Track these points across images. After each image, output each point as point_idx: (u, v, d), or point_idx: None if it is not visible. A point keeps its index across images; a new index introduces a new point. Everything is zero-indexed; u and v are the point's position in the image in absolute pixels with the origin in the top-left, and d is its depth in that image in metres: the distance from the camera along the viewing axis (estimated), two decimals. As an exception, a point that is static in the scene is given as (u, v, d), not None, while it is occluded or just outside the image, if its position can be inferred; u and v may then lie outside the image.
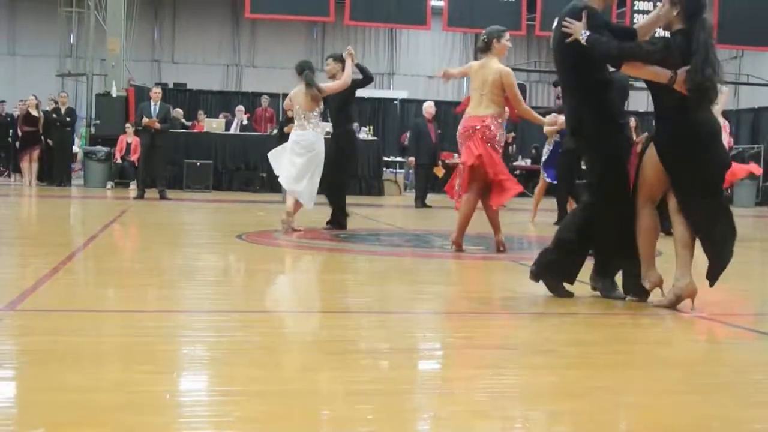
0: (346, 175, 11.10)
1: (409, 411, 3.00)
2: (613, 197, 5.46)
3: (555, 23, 5.61)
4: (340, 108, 10.50)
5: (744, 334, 4.83)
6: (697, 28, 5.15)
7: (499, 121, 8.01)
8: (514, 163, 23.51)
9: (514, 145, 20.64)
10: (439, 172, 22.83)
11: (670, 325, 5.03)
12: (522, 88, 22.46)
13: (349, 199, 11.01)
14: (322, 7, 21.18)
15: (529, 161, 26.03)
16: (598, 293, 5.62)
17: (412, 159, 19.06)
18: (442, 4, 22.37)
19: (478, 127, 7.93)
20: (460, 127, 8.15)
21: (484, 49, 8.24)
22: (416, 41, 36.45)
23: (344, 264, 7.78)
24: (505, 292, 6.16)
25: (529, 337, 4.49)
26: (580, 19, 5.36)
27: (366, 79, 10.69)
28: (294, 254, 8.36)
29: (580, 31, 5.32)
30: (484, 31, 8.39)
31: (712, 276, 5.23)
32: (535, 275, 5.64)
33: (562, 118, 9.29)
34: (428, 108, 17.31)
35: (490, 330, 4.66)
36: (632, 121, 13.37)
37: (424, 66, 37.22)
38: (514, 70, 32.47)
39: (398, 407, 3.00)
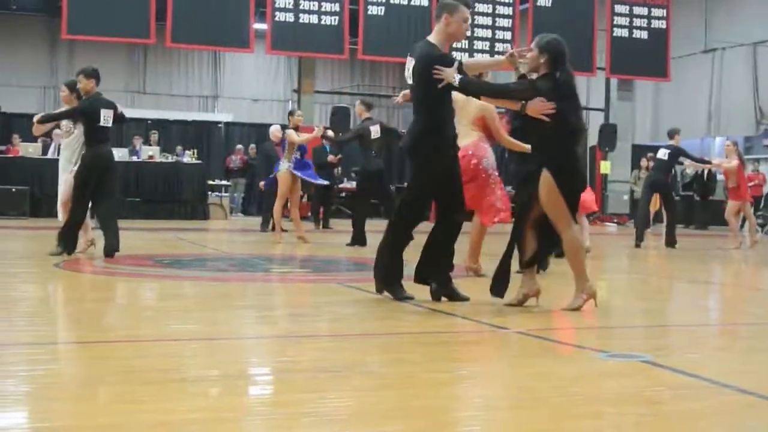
0: None
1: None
2: (410, 220, 6.40)
3: (410, 58, 6.36)
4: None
5: (561, 348, 5.00)
6: (563, 75, 6.03)
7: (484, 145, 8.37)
8: (340, 186, 23.62)
9: (340, 167, 20.73)
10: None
11: (491, 342, 5.17)
12: (346, 111, 22.77)
13: (173, 224, 10.83)
14: (143, 29, 20.75)
15: (354, 183, 26.22)
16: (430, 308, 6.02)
17: (262, 183, 18.90)
18: (265, 27, 22.34)
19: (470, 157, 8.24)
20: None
21: None
22: (240, 64, 36.25)
23: (169, 290, 7.62)
24: (331, 315, 6.16)
25: (355, 358, 4.51)
26: (438, 61, 6.12)
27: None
28: (116, 282, 8.12)
29: (452, 76, 6.04)
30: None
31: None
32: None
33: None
34: (275, 132, 17.20)
35: (316, 353, 4.65)
36: None
37: (249, 89, 37.08)
38: (337, 93, 32.82)
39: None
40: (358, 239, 12.53)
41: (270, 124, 18.99)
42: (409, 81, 6.43)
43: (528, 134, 6.31)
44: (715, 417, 3.44)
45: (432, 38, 6.35)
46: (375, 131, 12.96)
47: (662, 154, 14.89)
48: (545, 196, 5.99)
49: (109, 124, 9.63)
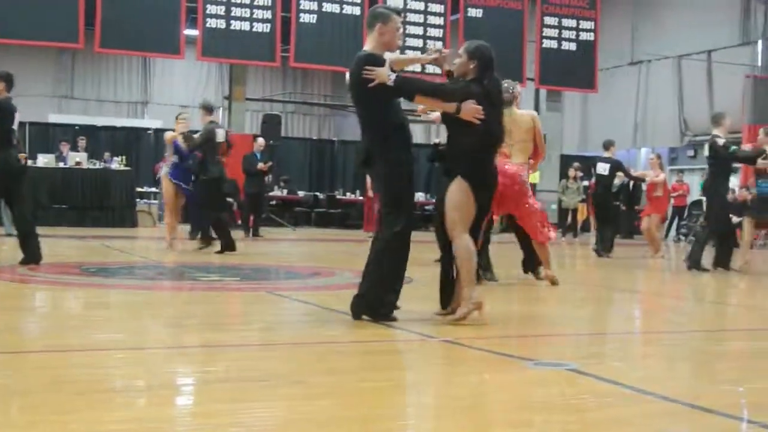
0: None
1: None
2: (396, 233, 5.94)
3: (350, 72, 6.10)
4: None
5: (490, 357, 5.03)
6: (491, 83, 6.05)
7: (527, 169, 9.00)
8: (270, 194, 23.55)
9: (270, 176, 20.65)
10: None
11: (420, 351, 5.20)
12: (277, 119, 22.71)
13: (101, 231, 10.69)
14: (71, 34, 20.44)
15: (285, 191, 26.20)
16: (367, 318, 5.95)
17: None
18: (196, 33, 22.17)
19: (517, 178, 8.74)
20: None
21: (508, 103, 8.45)
22: (170, 70, 35.96)
23: (95, 299, 7.50)
24: (260, 323, 6.14)
25: (284, 367, 4.49)
26: (366, 62, 5.90)
27: None
28: (39, 290, 7.98)
29: (386, 75, 5.83)
30: (507, 85, 8.54)
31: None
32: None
33: None
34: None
35: (244, 362, 4.62)
36: None
37: (179, 95, 36.76)
38: (269, 101, 32.60)
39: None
40: (227, 246, 12.40)
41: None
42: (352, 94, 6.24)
43: (451, 138, 6.23)
44: (638, 424, 3.51)
45: (369, 48, 6.11)
46: (220, 135, 12.89)
47: (602, 169, 15.19)
48: (454, 199, 5.97)
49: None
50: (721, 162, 11.87)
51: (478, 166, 6.05)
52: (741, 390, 4.28)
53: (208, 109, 13.23)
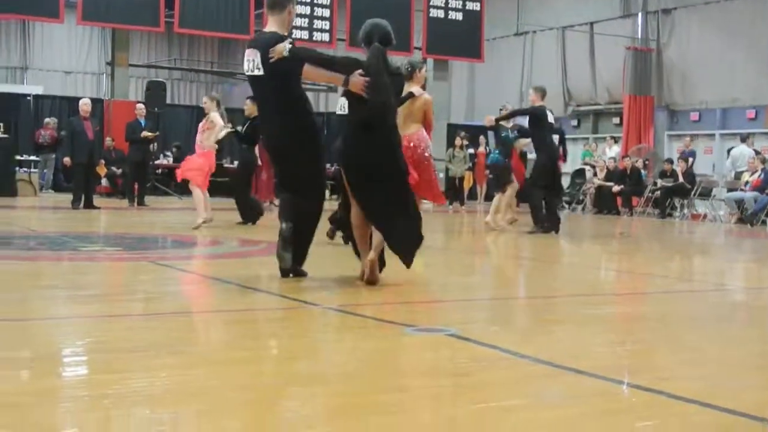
0: None
1: (30, 425, 2.87)
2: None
3: (253, 50, 6.44)
4: None
5: (369, 324, 5.08)
6: (370, 54, 6.18)
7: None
8: (156, 162, 23.17)
9: (156, 143, 20.29)
10: (102, 171, 22.03)
11: (299, 318, 5.22)
12: (162, 85, 22.30)
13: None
14: (-57, -4, 19.69)
15: (171, 159, 25.80)
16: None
17: (67, 159, 18.19)
18: (77, -4, 21.55)
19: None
20: None
21: (407, 77, 8.55)
22: (50, 35, 34.93)
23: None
24: (141, 293, 6.06)
25: (165, 338, 4.44)
26: (278, 42, 6.20)
27: None
28: None
29: (283, 48, 6.10)
30: (407, 61, 9.00)
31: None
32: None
33: None
34: (84, 105, 16.62)
35: (125, 333, 4.55)
36: None
37: (60, 61, 35.81)
38: (154, 67, 32.03)
39: (20, 421, 2.87)
40: None
41: (81, 98, 18.41)
42: (256, 72, 6.44)
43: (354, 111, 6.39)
44: (512, 386, 3.59)
45: (277, 29, 6.47)
46: None
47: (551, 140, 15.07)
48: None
49: None
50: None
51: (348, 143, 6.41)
52: (618, 351, 4.43)
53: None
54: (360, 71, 6.09)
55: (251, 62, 6.44)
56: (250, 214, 12.95)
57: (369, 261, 6.17)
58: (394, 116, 6.52)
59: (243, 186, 13.39)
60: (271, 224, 7.93)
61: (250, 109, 12.74)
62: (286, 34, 6.46)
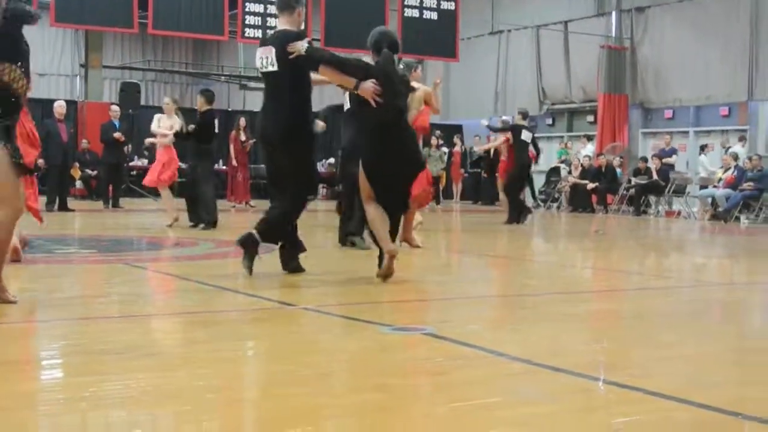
0: None
1: (7, 429, 2.85)
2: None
3: (268, 47, 6.71)
4: None
5: (347, 324, 5.07)
6: (383, 60, 6.46)
7: None
8: (131, 164, 23.04)
9: (130, 145, 20.19)
10: (76, 173, 21.86)
11: (277, 319, 5.21)
12: (136, 87, 22.19)
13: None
14: None
15: (146, 161, 25.65)
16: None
17: (41, 161, 18.04)
18: (49, -3, 21.36)
19: None
20: None
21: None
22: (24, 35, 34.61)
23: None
24: (116, 296, 6.02)
25: (141, 340, 4.42)
26: (297, 38, 6.50)
27: None
28: None
29: (302, 46, 6.39)
30: (403, 61, 9.26)
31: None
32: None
33: None
34: (58, 108, 16.55)
35: (102, 335, 4.52)
36: (242, 121, 13.92)
37: (34, 63, 35.28)
38: (127, 69, 31.71)
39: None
40: None
41: (55, 100, 18.29)
42: (270, 68, 6.64)
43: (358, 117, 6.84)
44: (490, 384, 3.60)
45: (290, 29, 6.71)
46: None
47: (527, 137, 15.23)
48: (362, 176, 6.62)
49: None
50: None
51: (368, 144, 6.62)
52: (594, 349, 4.45)
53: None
54: (372, 80, 6.33)
55: (266, 59, 6.67)
56: (204, 216, 12.21)
57: (395, 250, 6.44)
58: (406, 117, 6.87)
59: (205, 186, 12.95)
60: (237, 226, 7.93)
61: (201, 104, 12.69)
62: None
